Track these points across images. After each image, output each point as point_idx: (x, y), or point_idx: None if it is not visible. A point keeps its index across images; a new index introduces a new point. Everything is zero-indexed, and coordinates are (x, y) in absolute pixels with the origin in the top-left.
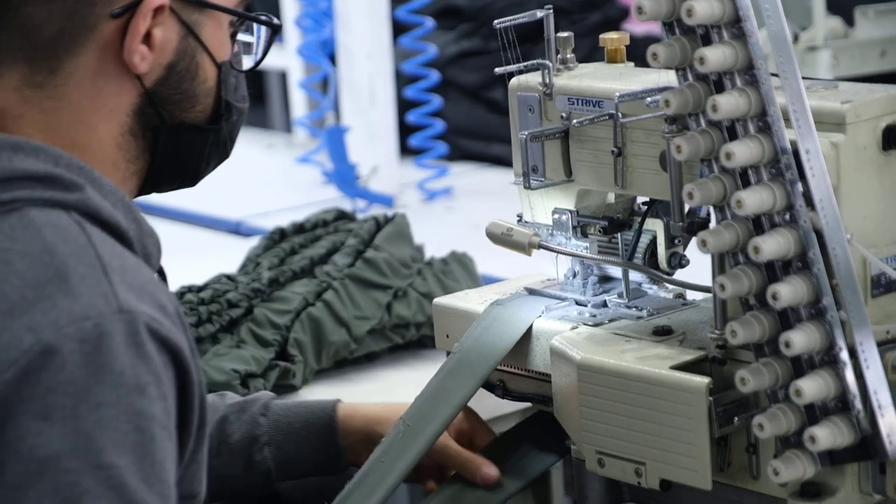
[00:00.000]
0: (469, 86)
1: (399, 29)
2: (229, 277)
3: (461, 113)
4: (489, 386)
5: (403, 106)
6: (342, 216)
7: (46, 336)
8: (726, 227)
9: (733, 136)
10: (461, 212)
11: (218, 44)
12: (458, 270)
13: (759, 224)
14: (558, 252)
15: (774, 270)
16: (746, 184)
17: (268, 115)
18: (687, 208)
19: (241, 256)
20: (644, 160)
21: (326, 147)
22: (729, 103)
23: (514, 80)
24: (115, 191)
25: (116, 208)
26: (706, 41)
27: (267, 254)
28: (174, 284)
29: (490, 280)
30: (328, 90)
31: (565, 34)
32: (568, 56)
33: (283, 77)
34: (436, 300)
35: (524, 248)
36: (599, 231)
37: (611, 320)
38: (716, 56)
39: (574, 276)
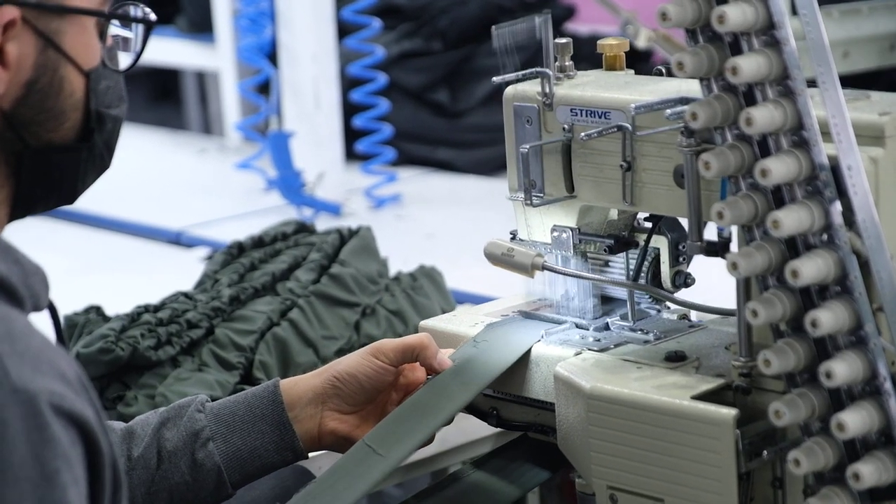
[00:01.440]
0: (412, 88)
1: (343, 30)
2: (187, 296)
3: (405, 116)
4: (481, 414)
5: (349, 110)
6: (302, 229)
7: None
8: (758, 248)
9: (765, 151)
10: (413, 220)
11: (84, 50)
12: (428, 286)
13: (792, 245)
14: (564, 274)
15: (810, 295)
16: (779, 202)
17: (184, 117)
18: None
19: (185, 268)
20: (655, 175)
21: (270, 153)
22: (764, 117)
23: (509, 90)
24: None
25: None
26: (734, 49)
27: (225, 269)
28: (119, 301)
29: (459, 296)
30: (270, 93)
31: (563, 40)
32: (566, 63)
33: (200, 77)
34: (422, 322)
35: (527, 269)
36: (605, 250)
37: (616, 345)
38: (750, 66)
39: (571, 297)
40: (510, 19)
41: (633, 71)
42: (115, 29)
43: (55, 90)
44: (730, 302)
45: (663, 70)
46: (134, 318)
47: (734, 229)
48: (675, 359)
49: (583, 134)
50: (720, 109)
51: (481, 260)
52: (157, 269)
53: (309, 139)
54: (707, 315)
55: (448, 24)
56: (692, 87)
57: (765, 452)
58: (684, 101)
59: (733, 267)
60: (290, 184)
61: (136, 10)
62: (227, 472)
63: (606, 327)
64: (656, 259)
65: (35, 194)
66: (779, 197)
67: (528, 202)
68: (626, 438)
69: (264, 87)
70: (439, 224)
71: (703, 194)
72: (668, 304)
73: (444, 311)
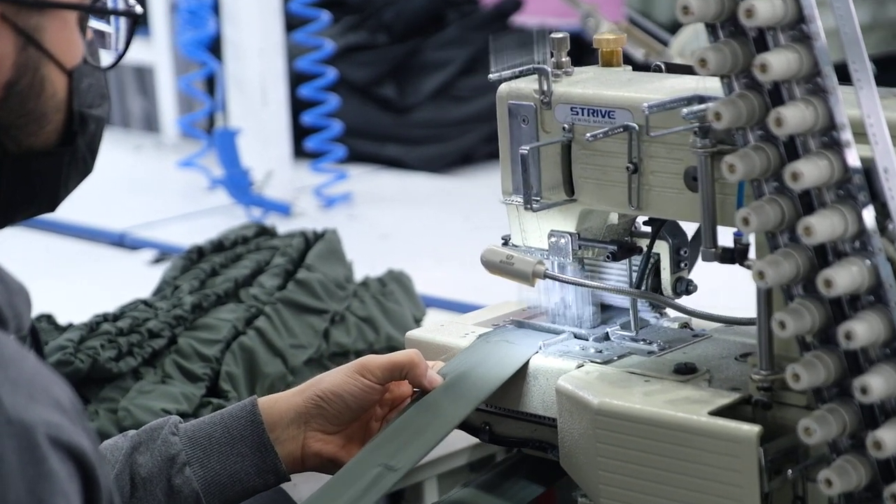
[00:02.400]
0: (358, 82)
1: (290, 23)
2: (146, 303)
3: (351, 112)
4: (473, 430)
5: (296, 106)
6: (263, 232)
7: None
8: (785, 256)
9: (791, 152)
10: (366, 220)
11: (66, 47)
12: (398, 291)
13: (820, 252)
14: (567, 282)
15: (840, 305)
16: (806, 207)
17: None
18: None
19: (132, 272)
20: (664, 177)
21: (216, 151)
22: (795, 116)
23: (503, 87)
24: None
25: None
26: (759, 45)
27: (185, 275)
28: (67, 308)
29: (428, 300)
30: (215, 89)
31: (560, 35)
32: (563, 59)
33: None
34: (409, 334)
35: (527, 277)
36: (607, 257)
37: (620, 356)
38: (780, 62)
39: (568, 305)
40: (457, 13)
41: (629, 67)
42: (94, 23)
43: (36, 91)
44: (732, 310)
45: (662, 66)
46: (92, 327)
47: (752, 236)
48: (686, 371)
49: (588, 134)
50: (745, 109)
51: (441, 261)
52: (104, 273)
53: (256, 136)
54: (709, 323)
55: (393, 17)
56: (707, 85)
57: (789, 472)
58: (699, 99)
59: (760, 276)
60: (237, 183)
61: (118, 2)
62: (205, 498)
63: (606, 337)
64: (656, 265)
65: (14, 203)
66: (806, 201)
67: (528, 206)
68: (637, 456)
69: (206, 83)
70: (393, 224)
71: (718, 198)
72: (667, 311)
73: (415, 318)
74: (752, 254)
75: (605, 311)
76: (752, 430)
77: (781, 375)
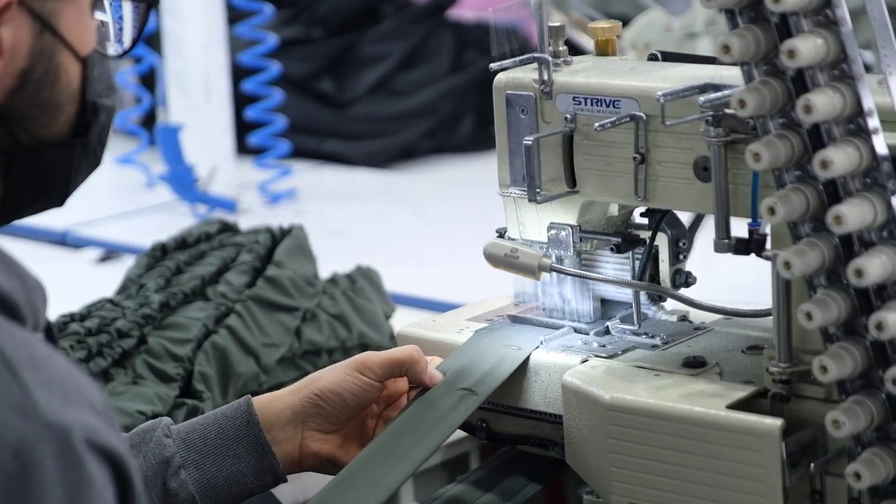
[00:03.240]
0: (295, 77)
1: (232, 17)
2: (113, 302)
3: (289, 107)
4: (469, 427)
5: (237, 101)
6: (226, 228)
7: None
8: (811, 246)
9: (815, 140)
10: (314, 217)
11: (80, 33)
12: (368, 287)
13: (845, 241)
14: (573, 275)
15: (867, 295)
16: (831, 196)
17: None
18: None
19: (78, 271)
20: (672, 167)
21: (159, 147)
22: (825, 103)
23: (500, 77)
24: None
25: None
26: (781, 31)
27: (150, 273)
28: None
29: (395, 297)
30: (156, 84)
31: (556, 23)
32: (560, 48)
33: None
34: (400, 330)
35: (533, 271)
36: (611, 249)
37: (624, 350)
38: (808, 48)
39: (568, 299)
40: (391, 7)
41: (627, 56)
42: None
43: (51, 80)
44: (728, 302)
45: (658, 55)
46: (60, 328)
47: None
48: (695, 365)
49: (597, 124)
50: (769, 96)
51: (399, 258)
52: (49, 273)
53: (199, 132)
54: (709, 316)
55: (328, 11)
56: (716, 73)
57: (811, 465)
58: (712, 87)
59: (786, 266)
60: (181, 179)
61: None
62: (202, 502)
63: (607, 331)
64: (654, 257)
65: (24, 196)
66: (830, 190)
67: (533, 198)
68: (651, 452)
69: (143, 78)
70: (344, 220)
71: (730, 188)
72: (664, 304)
73: (385, 315)
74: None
75: (602, 305)
76: (774, 423)
77: (801, 368)
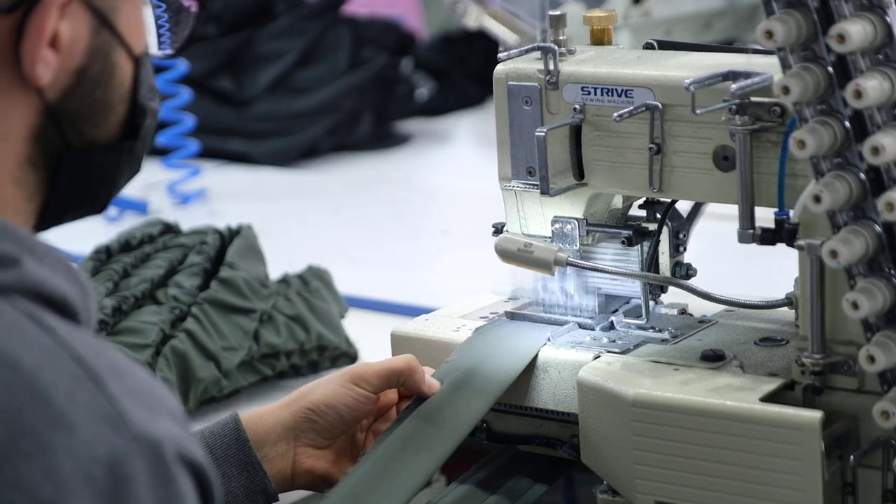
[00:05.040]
0: (193, 76)
1: None
2: None
3: (190, 105)
4: None
5: None
6: (168, 230)
7: (43, 495)
8: (855, 234)
9: (857, 127)
10: (229, 217)
11: (135, 31)
12: (322, 288)
13: (888, 229)
14: (589, 269)
15: None
16: (873, 183)
17: None
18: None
19: None
20: (690, 157)
21: None
22: (875, 88)
23: (501, 68)
24: (50, 250)
25: (57, 274)
26: (823, 16)
27: (97, 277)
28: None
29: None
30: None
31: (558, 12)
32: (561, 38)
33: None
34: (394, 329)
35: (548, 266)
36: (623, 242)
37: (635, 346)
38: (857, 32)
39: (571, 294)
40: (285, 3)
41: (620, 45)
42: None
43: (105, 79)
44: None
45: (655, 44)
46: None
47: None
48: (714, 358)
49: (616, 114)
50: (812, 82)
51: (329, 257)
52: None
53: None
54: (710, 309)
55: (222, 8)
56: (735, 61)
57: (852, 457)
58: (733, 75)
59: (832, 255)
60: None
61: None
62: None
63: (611, 326)
64: (654, 249)
65: (68, 202)
66: (872, 177)
67: (545, 191)
68: (679, 448)
69: None
70: (260, 220)
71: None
72: (662, 298)
73: (340, 315)
74: None
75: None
76: (814, 416)
77: (834, 359)
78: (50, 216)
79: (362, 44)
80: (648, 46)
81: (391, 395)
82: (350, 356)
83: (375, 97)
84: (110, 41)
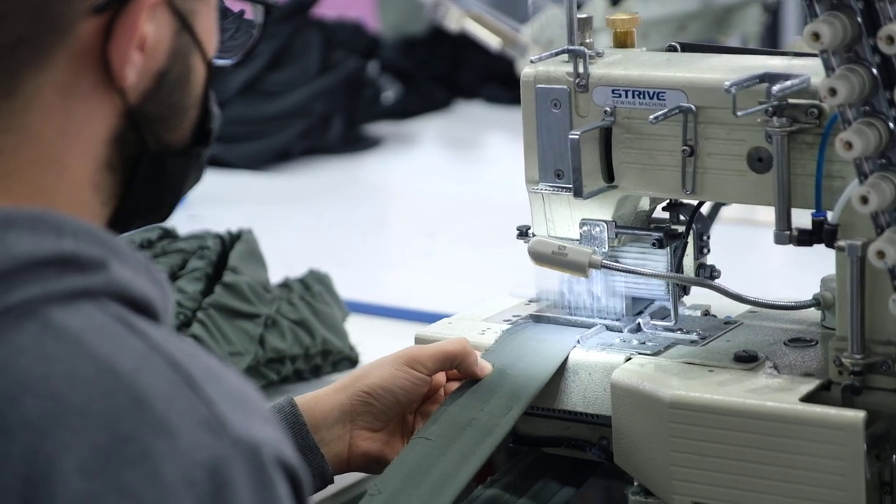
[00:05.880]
0: None
1: None
2: None
3: None
4: None
5: None
6: (166, 235)
7: (149, 501)
8: None
9: None
10: (211, 222)
11: (210, 34)
12: (325, 292)
13: None
14: (624, 271)
15: None
16: None
17: None
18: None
19: None
20: (724, 160)
21: None
22: None
23: (528, 71)
24: (132, 251)
25: (139, 276)
26: (867, 17)
27: None
28: None
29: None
30: None
31: (584, 15)
32: (587, 41)
33: None
34: (419, 332)
35: (583, 268)
36: (654, 244)
37: (666, 347)
38: None
39: (598, 296)
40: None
41: (644, 48)
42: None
43: (183, 82)
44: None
45: (678, 46)
46: None
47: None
48: (747, 360)
49: (651, 116)
50: (857, 84)
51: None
52: None
53: None
54: (733, 310)
55: None
56: (767, 63)
57: (893, 457)
58: (770, 77)
59: (879, 256)
60: None
61: None
62: None
63: (638, 328)
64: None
65: (140, 208)
66: None
67: (579, 194)
68: (718, 449)
69: None
70: (246, 225)
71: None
72: (684, 299)
73: (342, 319)
74: None
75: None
76: (857, 415)
77: (874, 359)
78: (119, 223)
79: (332, 47)
80: (671, 49)
81: (439, 377)
82: (351, 360)
83: (345, 100)
84: (189, 44)
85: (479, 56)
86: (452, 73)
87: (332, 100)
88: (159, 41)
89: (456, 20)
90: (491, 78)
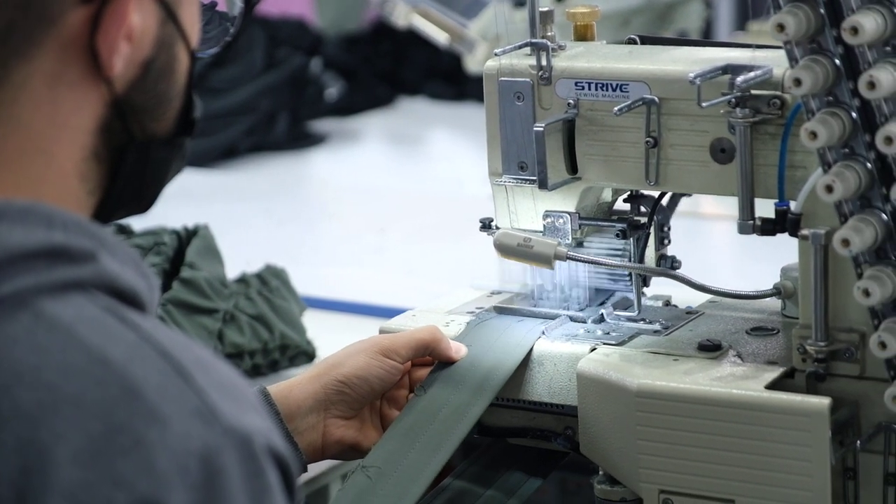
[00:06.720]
0: None
1: None
2: None
3: None
4: None
5: None
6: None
7: (142, 490)
8: (865, 223)
9: (864, 118)
10: (163, 218)
11: (193, 25)
12: (282, 287)
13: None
14: (588, 262)
15: None
16: (880, 172)
17: None
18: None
19: None
20: (686, 151)
21: None
22: (888, 79)
23: (491, 64)
24: (120, 243)
25: (127, 268)
26: (830, 9)
27: None
28: None
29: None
30: None
31: (546, 8)
32: (549, 34)
33: None
34: (383, 326)
35: (548, 260)
36: (617, 235)
37: (630, 337)
38: (870, 24)
39: (561, 287)
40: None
41: (604, 41)
42: None
43: (168, 71)
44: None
45: (637, 39)
46: None
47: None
48: (711, 348)
49: (616, 108)
50: (821, 74)
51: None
52: None
53: None
54: (693, 300)
55: None
56: (728, 55)
57: (858, 442)
58: (731, 69)
59: (844, 244)
60: None
61: None
62: None
63: (601, 318)
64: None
65: (124, 198)
66: (879, 167)
67: (544, 185)
68: (684, 437)
69: None
70: (199, 222)
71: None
72: (644, 290)
73: (299, 313)
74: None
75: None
76: (822, 402)
77: (836, 346)
78: (104, 213)
79: (276, 44)
80: (631, 41)
81: (407, 363)
82: (308, 354)
83: (290, 97)
84: (173, 34)
85: (422, 52)
86: (395, 69)
87: (277, 97)
88: (145, 31)
89: (404, 16)
90: (434, 74)
